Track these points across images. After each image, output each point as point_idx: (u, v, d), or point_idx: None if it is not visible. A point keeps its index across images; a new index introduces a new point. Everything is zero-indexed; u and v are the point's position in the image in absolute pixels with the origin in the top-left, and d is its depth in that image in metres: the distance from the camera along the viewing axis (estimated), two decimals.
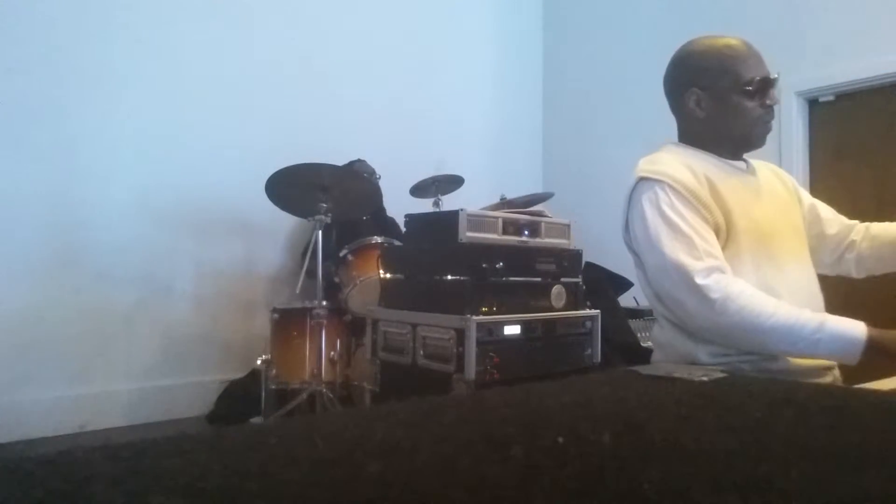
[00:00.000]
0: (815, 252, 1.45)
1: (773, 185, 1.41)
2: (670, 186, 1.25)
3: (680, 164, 1.29)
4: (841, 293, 1.61)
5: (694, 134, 1.39)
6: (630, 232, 1.35)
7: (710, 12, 3.63)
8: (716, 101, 1.32)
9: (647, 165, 1.32)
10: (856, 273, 1.48)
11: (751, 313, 1.15)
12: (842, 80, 3.21)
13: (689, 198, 1.24)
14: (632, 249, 1.38)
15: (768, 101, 1.30)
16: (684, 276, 1.19)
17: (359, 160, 3.29)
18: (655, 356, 1.39)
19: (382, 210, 3.26)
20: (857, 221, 1.49)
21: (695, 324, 1.23)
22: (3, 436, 2.49)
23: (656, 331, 1.40)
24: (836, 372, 1.30)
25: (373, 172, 3.25)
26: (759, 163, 1.44)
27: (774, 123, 1.35)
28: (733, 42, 1.32)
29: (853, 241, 1.46)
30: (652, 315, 1.44)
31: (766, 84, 1.29)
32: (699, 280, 1.17)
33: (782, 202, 1.39)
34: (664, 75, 1.43)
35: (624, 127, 4.04)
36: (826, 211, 1.50)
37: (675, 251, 1.21)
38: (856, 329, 1.11)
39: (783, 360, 1.22)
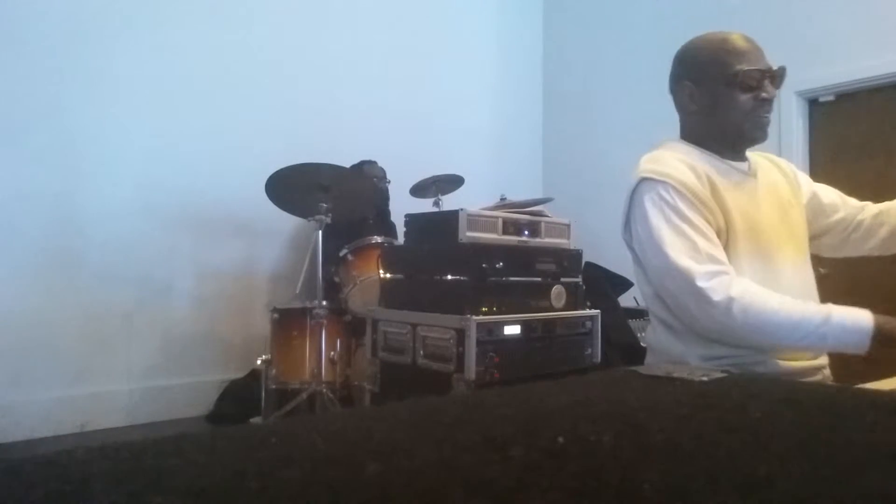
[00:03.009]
0: (820, 237, 1.44)
1: (775, 184, 1.38)
2: (673, 187, 1.23)
3: (682, 163, 1.27)
4: (846, 284, 1.61)
5: (691, 130, 1.37)
6: (631, 231, 1.33)
7: (710, 12, 3.63)
8: (706, 93, 1.30)
9: (649, 165, 1.29)
10: (866, 251, 1.43)
11: (755, 313, 1.14)
12: (842, 80, 3.21)
13: (691, 199, 1.23)
14: (631, 248, 1.37)
15: (763, 95, 1.26)
16: (687, 279, 1.18)
17: (368, 161, 3.28)
18: (648, 359, 1.38)
19: (387, 213, 3.26)
20: (867, 202, 1.44)
21: (700, 326, 1.22)
22: (3, 436, 2.49)
23: (649, 332, 1.39)
24: (827, 371, 1.30)
25: (383, 176, 3.24)
26: (759, 156, 1.42)
27: (774, 123, 1.33)
28: (732, 36, 1.29)
29: (860, 222, 1.42)
30: None
31: (759, 76, 1.25)
32: (700, 283, 1.16)
33: (782, 203, 1.36)
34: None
35: (624, 127, 4.04)
36: (829, 196, 1.45)
37: (679, 254, 1.20)
38: (862, 319, 1.10)
39: (773, 363, 1.22)
